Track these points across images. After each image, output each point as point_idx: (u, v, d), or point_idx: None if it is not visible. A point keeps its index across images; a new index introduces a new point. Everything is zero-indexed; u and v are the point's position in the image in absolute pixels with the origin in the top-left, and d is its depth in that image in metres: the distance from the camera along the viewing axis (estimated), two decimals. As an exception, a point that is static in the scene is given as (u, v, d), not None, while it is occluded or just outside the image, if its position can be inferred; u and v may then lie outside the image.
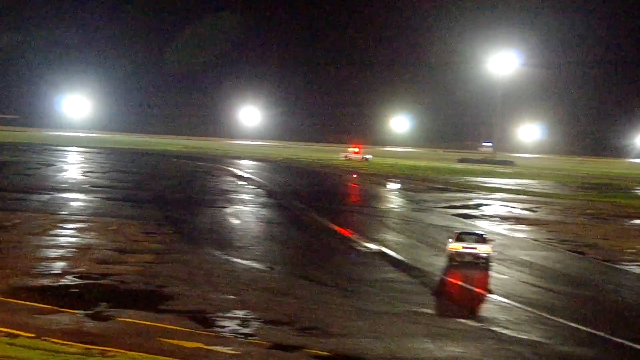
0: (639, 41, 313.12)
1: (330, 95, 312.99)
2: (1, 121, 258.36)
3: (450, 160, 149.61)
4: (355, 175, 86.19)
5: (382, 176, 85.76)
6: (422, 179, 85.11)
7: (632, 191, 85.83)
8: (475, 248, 30.62)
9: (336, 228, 40.57)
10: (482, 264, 30.25)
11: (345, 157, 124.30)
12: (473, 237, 32.19)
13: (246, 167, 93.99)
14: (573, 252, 36.58)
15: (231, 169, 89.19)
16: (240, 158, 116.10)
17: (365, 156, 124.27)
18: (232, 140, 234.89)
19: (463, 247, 30.68)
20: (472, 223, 46.15)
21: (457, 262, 30.35)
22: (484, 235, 32.39)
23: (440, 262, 31.47)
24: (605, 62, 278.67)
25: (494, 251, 31.12)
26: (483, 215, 51.16)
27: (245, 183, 67.97)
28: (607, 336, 20.92)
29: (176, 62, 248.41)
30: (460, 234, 32.57)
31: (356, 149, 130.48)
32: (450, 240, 31.73)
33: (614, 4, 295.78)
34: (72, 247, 29.28)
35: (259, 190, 61.13)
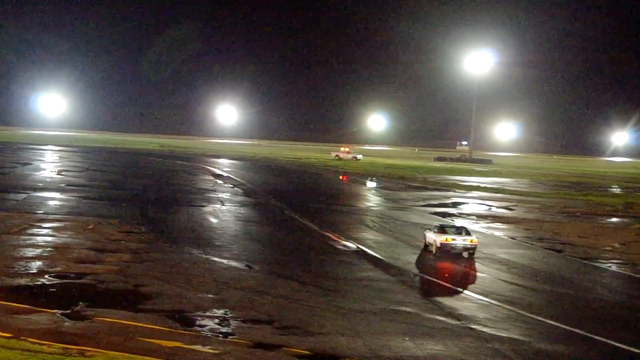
0: (615, 39, 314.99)
1: (308, 94, 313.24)
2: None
3: (427, 159, 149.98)
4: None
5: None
6: (404, 177, 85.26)
7: (608, 189, 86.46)
8: (465, 240, 32.38)
9: (315, 227, 40.56)
10: (470, 254, 32.06)
11: (336, 156, 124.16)
12: (458, 229, 34.03)
13: (224, 166, 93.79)
14: (550, 250, 36.79)
15: (209, 167, 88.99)
16: (218, 157, 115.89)
17: (356, 156, 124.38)
18: (209, 139, 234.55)
19: (452, 239, 32.15)
20: (450, 221, 46.28)
21: (440, 254, 31.95)
22: (467, 228, 34.48)
23: (418, 259, 31.60)
24: (580, 60, 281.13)
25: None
26: (460, 213, 51.34)
27: (223, 182, 67.83)
28: (585, 333, 21.04)
29: (153, 60, 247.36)
30: (442, 226, 34.06)
31: (347, 149, 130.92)
32: (428, 232, 33.59)
33: (589, 3, 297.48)
34: (49, 247, 29.06)
35: (237, 189, 61.03)
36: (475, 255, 32.40)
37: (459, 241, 32.22)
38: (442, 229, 33.31)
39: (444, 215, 49.16)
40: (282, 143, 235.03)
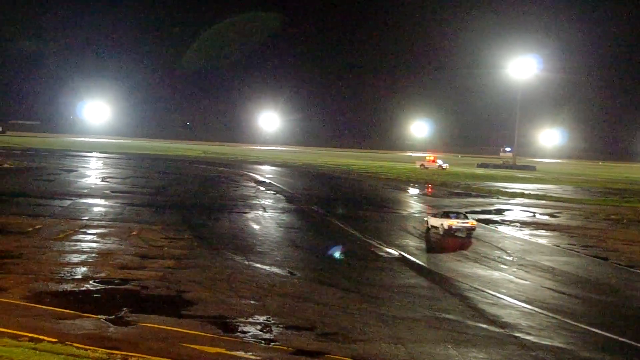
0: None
1: (350, 101, 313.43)
2: (23, 127, 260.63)
3: (470, 165, 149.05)
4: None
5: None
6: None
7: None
8: (465, 223, 40.07)
9: (357, 233, 40.49)
10: (469, 235, 39.89)
11: (421, 166, 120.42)
12: (458, 214, 41.54)
13: (266, 173, 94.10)
14: (595, 257, 36.31)
15: (251, 174, 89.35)
16: (260, 163, 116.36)
17: (442, 164, 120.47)
18: (251, 145, 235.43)
19: (457, 222, 39.76)
20: (493, 228, 45.98)
21: (446, 235, 39.40)
22: (464, 213, 43.57)
23: (460, 267, 31.43)
24: (624, 66, 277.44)
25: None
26: (504, 220, 50.91)
27: (265, 188, 68.04)
28: (630, 342, 20.76)
29: (195, 69, 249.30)
30: (447, 212, 41.95)
31: (432, 157, 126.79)
32: (432, 218, 42.03)
33: (633, 8, 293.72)
34: (94, 253, 29.39)
35: (279, 195, 61.17)
36: (519, 262, 32.63)
37: (462, 224, 39.76)
38: (446, 215, 40.98)
39: (488, 222, 48.78)
40: (325, 149, 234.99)
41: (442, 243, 38.93)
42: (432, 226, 41.17)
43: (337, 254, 33.16)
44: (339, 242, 37.04)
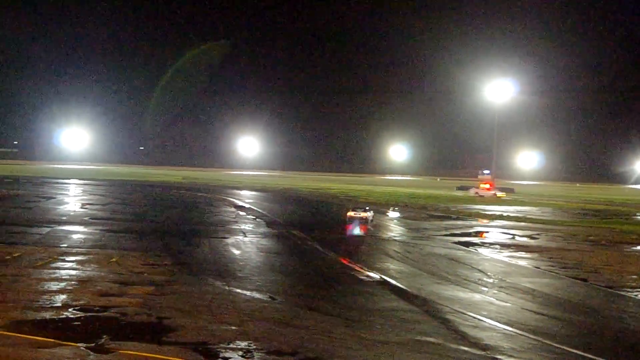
0: (635, 67, 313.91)
1: (328, 125, 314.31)
2: (0, 154, 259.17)
3: (449, 188, 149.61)
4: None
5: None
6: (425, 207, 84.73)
7: (633, 217, 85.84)
8: (366, 214, 56.06)
9: (337, 257, 40.51)
10: (369, 223, 56.11)
11: (476, 193, 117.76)
12: (364, 209, 58.11)
13: (245, 197, 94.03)
14: (575, 279, 36.46)
15: (231, 199, 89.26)
16: (239, 188, 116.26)
17: (496, 192, 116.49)
18: (231, 170, 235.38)
19: (355, 214, 54.79)
20: (473, 250, 46.13)
21: (352, 220, 53.33)
22: (367, 208, 60.20)
23: (441, 289, 31.48)
24: (601, 89, 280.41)
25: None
26: (483, 242, 51.09)
27: (245, 213, 67.98)
28: (613, 363, 20.82)
29: (174, 93, 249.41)
30: (354, 208, 58.34)
31: (487, 185, 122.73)
32: (349, 212, 55.70)
33: (609, 32, 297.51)
34: (73, 280, 29.16)
35: (259, 220, 61.13)
36: (499, 285, 33.00)
37: (361, 214, 55.02)
38: (354, 209, 56.89)
39: (467, 244, 48.98)
40: (304, 174, 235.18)
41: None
42: (348, 217, 54.99)
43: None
44: (320, 266, 37.05)
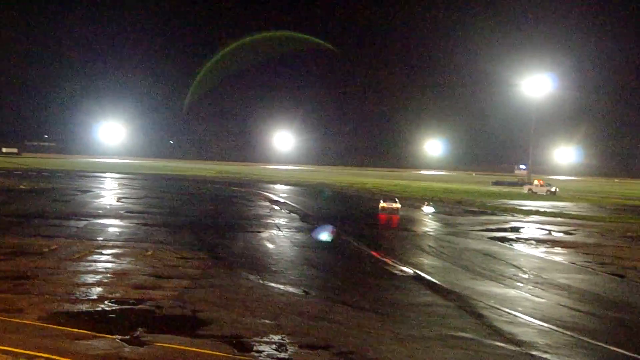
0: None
1: (364, 119, 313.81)
2: (38, 148, 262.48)
3: (485, 183, 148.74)
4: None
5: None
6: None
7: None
8: (397, 205, 67.09)
9: (372, 252, 40.46)
10: (397, 212, 65.23)
11: (529, 190, 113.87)
12: (392, 199, 69.17)
13: (280, 192, 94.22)
14: (612, 275, 36.06)
15: (266, 193, 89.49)
16: (274, 183, 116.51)
17: (550, 188, 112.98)
18: (266, 165, 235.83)
19: (388, 205, 66.54)
20: (509, 246, 45.82)
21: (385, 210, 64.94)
22: (396, 199, 70.49)
23: (476, 285, 31.30)
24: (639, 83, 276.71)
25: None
26: (519, 238, 50.70)
27: (279, 208, 68.13)
28: (649, 360, 20.57)
29: (209, 88, 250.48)
30: (385, 199, 69.48)
31: (540, 182, 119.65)
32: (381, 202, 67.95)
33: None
34: (109, 273, 29.43)
35: (293, 214, 61.23)
36: (534, 280, 32.92)
37: (391, 205, 66.79)
38: (385, 200, 68.42)
39: (503, 240, 48.68)
40: (339, 168, 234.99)
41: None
42: (381, 207, 66.63)
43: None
44: (354, 261, 37.02)
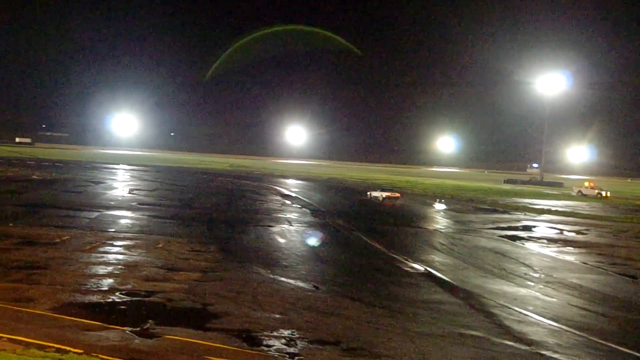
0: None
1: (377, 116, 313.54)
2: (52, 139, 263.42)
3: (497, 181, 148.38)
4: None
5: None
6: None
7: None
8: (392, 194, 75.59)
9: (382, 248, 40.41)
10: (396, 202, 72.68)
11: (578, 192, 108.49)
12: (386, 189, 77.12)
13: (292, 186, 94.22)
14: (624, 275, 35.92)
15: (277, 187, 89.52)
16: (286, 177, 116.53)
17: (601, 191, 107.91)
18: (278, 159, 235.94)
19: (385, 195, 74.27)
20: (520, 244, 45.70)
21: (379, 201, 72.87)
22: (392, 189, 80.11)
23: (487, 283, 31.23)
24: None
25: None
26: (530, 237, 50.56)
27: (291, 202, 68.14)
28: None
29: (223, 82, 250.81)
30: (382, 189, 78.62)
31: (590, 184, 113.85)
32: (372, 192, 77.53)
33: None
34: (120, 265, 29.50)
35: (305, 209, 61.23)
36: (545, 280, 32.87)
37: (388, 194, 74.62)
38: (382, 190, 77.65)
39: (514, 238, 48.55)
40: (351, 163, 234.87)
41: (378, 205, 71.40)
42: (374, 197, 75.56)
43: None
44: (364, 257, 36.99)
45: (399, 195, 77.31)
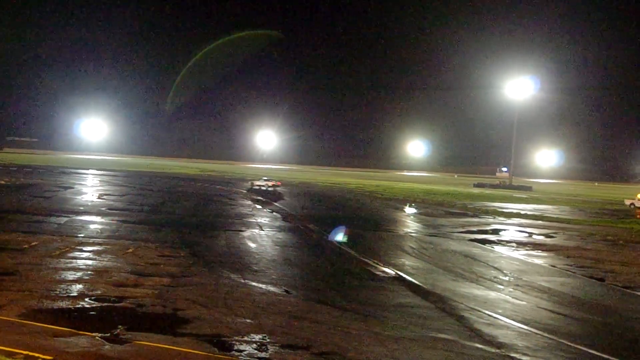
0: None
1: (347, 120, 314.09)
2: (20, 144, 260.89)
3: (466, 185, 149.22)
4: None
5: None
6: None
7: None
8: (272, 184, 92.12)
9: (353, 252, 40.46)
10: (275, 191, 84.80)
11: (631, 204, 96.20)
12: (267, 180, 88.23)
13: (263, 191, 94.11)
14: (592, 278, 36.27)
15: (247, 192, 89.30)
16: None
17: None
18: (249, 163, 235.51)
19: (265, 183, 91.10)
20: (490, 248, 45.99)
21: (257, 189, 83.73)
22: (271, 179, 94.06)
23: (457, 286, 31.39)
24: (621, 87, 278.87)
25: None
26: (500, 240, 50.90)
27: (262, 207, 68.06)
28: (628, 363, 20.70)
29: (192, 85, 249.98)
30: (262, 178, 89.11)
31: None
32: (255, 181, 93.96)
33: (631, 30, 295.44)
34: (90, 270, 29.30)
35: (276, 214, 61.20)
36: (515, 283, 33.17)
37: (267, 183, 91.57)
38: (260, 179, 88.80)
39: (484, 242, 48.85)
40: (321, 168, 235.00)
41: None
42: (256, 185, 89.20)
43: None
44: (335, 261, 37.03)
45: (280, 183, 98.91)
